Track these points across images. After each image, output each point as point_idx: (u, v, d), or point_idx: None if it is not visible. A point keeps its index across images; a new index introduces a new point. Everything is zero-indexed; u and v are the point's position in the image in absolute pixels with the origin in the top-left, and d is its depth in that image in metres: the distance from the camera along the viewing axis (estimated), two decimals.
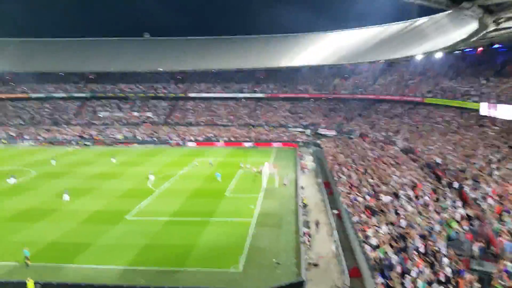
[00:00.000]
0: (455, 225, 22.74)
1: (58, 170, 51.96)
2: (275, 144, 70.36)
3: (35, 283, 22.12)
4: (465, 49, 53.90)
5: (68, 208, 36.34)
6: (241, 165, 51.85)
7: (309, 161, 54.07)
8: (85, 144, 73.66)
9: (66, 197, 38.55)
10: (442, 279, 18.47)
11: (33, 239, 29.07)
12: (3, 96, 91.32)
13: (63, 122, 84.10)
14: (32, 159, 59.50)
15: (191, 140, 73.69)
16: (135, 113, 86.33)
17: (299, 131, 75.09)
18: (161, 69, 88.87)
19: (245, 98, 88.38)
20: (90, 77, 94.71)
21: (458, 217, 23.59)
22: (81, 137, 76.80)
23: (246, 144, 71.10)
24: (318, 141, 66.03)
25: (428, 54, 56.55)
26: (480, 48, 49.33)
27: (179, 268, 24.97)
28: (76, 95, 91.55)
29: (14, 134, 78.10)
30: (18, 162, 57.28)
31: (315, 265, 25.02)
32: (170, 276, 23.93)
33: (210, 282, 22.92)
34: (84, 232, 30.72)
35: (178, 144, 72.90)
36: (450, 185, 29.85)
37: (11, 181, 45.22)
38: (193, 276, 23.87)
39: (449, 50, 51.52)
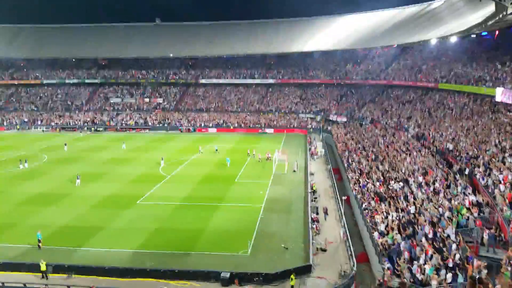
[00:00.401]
0: (465, 211, 22.52)
1: (70, 155, 52.72)
2: (286, 130, 70.15)
3: (47, 265, 22.63)
4: (481, 33, 52.61)
5: (80, 193, 36.95)
6: (248, 153, 51.78)
7: (319, 148, 53.86)
8: (97, 130, 74.42)
9: (78, 181, 39.16)
10: (451, 265, 18.40)
11: (46, 222, 29.65)
12: (16, 82, 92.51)
13: (75, 108, 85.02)
14: (45, 145, 60.40)
15: (209, 126, 73.94)
16: (146, 99, 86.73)
17: (310, 117, 74.68)
18: (172, 55, 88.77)
19: (255, 84, 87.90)
20: (102, 63, 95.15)
21: (468, 204, 23.33)
22: (93, 122, 77.61)
23: (259, 130, 71.08)
24: (329, 128, 65.68)
25: (443, 39, 55.36)
26: (497, 32, 48.09)
27: (189, 251, 25.32)
28: (88, 81, 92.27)
29: (27, 120, 79.26)
30: (31, 148, 58.23)
31: (323, 250, 25.12)
32: (180, 259, 24.30)
33: (219, 265, 23.19)
34: (95, 216, 31.25)
35: (188, 130, 73.22)
36: (461, 171, 29.46)
37: (24, 165, 46.03)
38: (203, 259, 24.19)
39: (465, 34, 50.34)
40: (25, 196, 36.02)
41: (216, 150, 54.12)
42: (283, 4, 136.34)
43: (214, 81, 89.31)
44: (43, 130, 75.48)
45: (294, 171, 43.49)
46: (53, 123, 77.90)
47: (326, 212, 30.17)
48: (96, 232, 28.19)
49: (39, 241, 25.87)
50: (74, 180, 39.43)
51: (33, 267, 22.88)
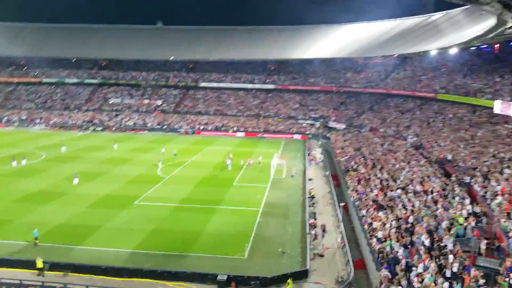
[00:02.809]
0: (462, 221, 22.63)
1: (68, 154, 52.60)
2: (284, 136, 70.29)
3: (44, 263, 22.56)
4: (480, 45, 53.10)
5: (78, 192, 36.87)
6: (241, 163, 48.14)
7: (317, 154, 54.00)
8: (95, 130, 74.32)
9: (76, 180, 39.06)
10: (448, 274, 18.47)
11: (43, 220, 29.58)
12: (16, 80, 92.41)
13: (74, 107, 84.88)
14: (43, 143, 60.25)
15: (208, 129, 73.96)
16: (146, 101, 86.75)
17: (309, 124, 74.88)
18: (172, 58, 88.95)
19: (255, 89, 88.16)
20: (102, 63, 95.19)
21: (465, 214, 23.46)
22: (92, 122, 77.51)
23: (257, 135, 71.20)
24: (328, 134, 65.87)
25: (443, 50, 55.82)
26: (497, 45, 48.56)
27: (186, 253, 25.30)
28: (88, 81, 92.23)
29: (25, 118, 79.07)
30: (30, 145, 58.04)
31: (321, 255, 25.14)
32: (177, 261, 24.27)
33: (216, 267, 23.17)
34: (93, 215, 31.19)
35: (187, 133, 73.24)
36: (459, 181, 29.64)
37: (21, 163, 45.84)
38: (199, 261, 24.17)
39: (464, 46, 50.78)
40: (22, 194, 35.87)
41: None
42: (285, 11, 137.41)
43: (214, 84, 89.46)
44: (41, 128, 75.25)
45: (293, 176, 43.56)
46: (51, 122, 77.70)
47: (324, 230, 28.43)
48: (93, 231, 28.12)
49: (36, 238, 25.83)
50: (72, 178, 39.32)
51: (30, 264, 22.80)
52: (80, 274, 22.53)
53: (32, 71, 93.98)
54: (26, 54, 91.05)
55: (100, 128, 75.04)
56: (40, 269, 22.39)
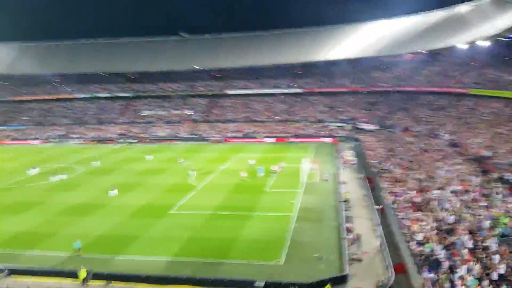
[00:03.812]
0: (508, 220, 21.79)
1: (105, 167, 54.26)
2: (314, 139, 69.85)
3: (87, 272, 23.33)
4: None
5: (116, 203, 37.94)
6: (271, 168, 47.99)
7: (350, 156, 53.29)
8: (130, 142, 76.33)
9: (114, 192, 40.22)
10: (495, 277, 17.81)
11: (84, 232, 30.60)
12: (50, 97, 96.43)
13: (108, 121, 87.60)
14: (81, 157, 62.42)
15: (238, 136, 74.77)
16: (176, 111, 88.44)
17: (338, 126, 74.10)
18: (198, 67, 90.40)
19: (282, 93, 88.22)
20: (132, 77, 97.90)
21: (509, 212, 22.58)
22: (125, 135, 79.71)
23: (287, 140, 71.10)
24: (358, 136, 64.96)
25: (473, 43, 54.11)
26: None
27: (222, 260, 25.53)
28: (119, 94, 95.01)
29: (62, 133, 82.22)
30: (68, 160, 60.28)
31: (359, 260, 24.77)
32: (214, 268, 24.52)
33: (252, 274, 23.24)
34: (131, 225, 32.01)
35: (217, 141, 74.04)
36: (500, 179, 28.58)
37: (62, 177, 47.66)
38: (236, 268, 24.32)
39: (495, 38, 49.05)
40: (63, 207, 37.27)
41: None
42: (308, 13, 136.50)
43: (241, 91, 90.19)
44: (78, 143, 78.03)
45: (326, 179, 43.19)
46: (87, 136, 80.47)
47: (358, 239, 26.93)
48: (132, 241, 28.86)
49: (79, 249, 26.73)
50: (110, 190, 40.53)
51: (72, 275, 23.63)
52: (122, 283, 23.15)
53: (66, 88, 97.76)
54: (59, 71, 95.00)
55: (135, 141, 77.03)
56: (84, 279, 23.15)
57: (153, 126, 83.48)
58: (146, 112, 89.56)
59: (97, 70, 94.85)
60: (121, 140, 77.11)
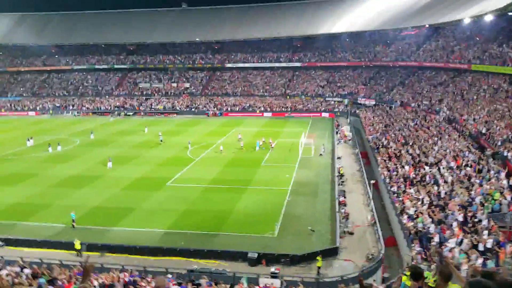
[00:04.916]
0: (498, 196, 21.88)
1: (101, 139, 54.18)
2: (312, 114, 69.52)
3: (81, 244, 23.61)
4: None
5: (112, 175, 38.08)
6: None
7: (346, 131, 53.21)
8: (127, 115, 76.01)
9: (109, 164, 40.28)
10: (481, 249, 18.04)
11: (79, 203, 30.77)
12: (48, 68, 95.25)
13: (105, 93, 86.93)
14: (77, 129, 62.24)
15: (236, 110, 74.30)
16: (174, 84, 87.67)
17: (337, 101, 73.64)
18: (198, 40, 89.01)
19: (281, 67, 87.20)
20: (130, 48, 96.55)
21: (501, 188, 22.64)
22: (122, 107, 79.30)
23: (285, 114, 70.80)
24: (357, 111, 64.65)
25: (477, 18, 52.96)
26: None
27: (217, 232, 25.88)
28: (117, 66, 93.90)
29: (59, 105, 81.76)
30: (64, 132, 60.12)
31: (350, 233, 25.07)
32: (208, 239, 24.89)
33: (246, 245, 23.61)
34: (127, 198, 32.24)
35: (215, 114, 73.71)
36: (494, 155, 28.54)
37: (58, 148, 47.63)
38: (230, 240, 24.68)
39: (500, 12, 47.94)
40: (59, 178, 37.41)
41: (161, 140, 50.89)
42: None
43: (240, 65, 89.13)
44: (74, 115, 77.71)
45: (321, 154, 43.24)
46: (84, 108, 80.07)
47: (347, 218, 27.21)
48: (127, 213, 29.11)
49: (73, 221, 26.95)
50: (106, 162, 40.59)
51: (68, 246, 23.94)
52: (116, 254, 23.47)
53: (63, 59, 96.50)
54: (56, 43, 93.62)
55: (131, 113, 76.69)
56: (78, 250, 23.47)
57: (150, 98, 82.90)
58: (144, 85, 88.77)
59: (94, 41, 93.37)
60: (118, 113, 76.74)
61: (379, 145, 39.41)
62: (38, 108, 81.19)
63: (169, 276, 18.72)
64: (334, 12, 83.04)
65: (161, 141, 51.04)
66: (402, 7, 72.23)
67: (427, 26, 69.07)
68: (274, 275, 20.04)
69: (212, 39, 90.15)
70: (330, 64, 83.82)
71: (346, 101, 72.57)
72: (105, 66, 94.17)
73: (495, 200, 21.67)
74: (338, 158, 41.52)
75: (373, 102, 67.54)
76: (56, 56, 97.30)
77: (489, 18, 51.68)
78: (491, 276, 3.70)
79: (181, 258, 22.89)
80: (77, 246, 23.44)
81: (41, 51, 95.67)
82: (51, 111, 79.23)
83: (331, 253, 22.60)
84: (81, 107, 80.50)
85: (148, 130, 58.29)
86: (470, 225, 20.19)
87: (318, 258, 21.00)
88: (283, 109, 72.79)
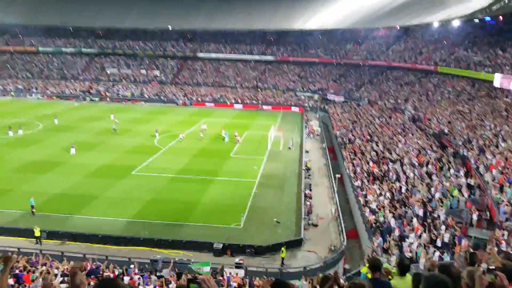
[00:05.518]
0: (456, 193, 22.87)
1: (65, 124, 52.35)
2: (282, 108, 69.93)
3: (41, 231, 22.85)
4: (484, 18, 52.03)
5: (75, 161, 36.94)
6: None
7: (315, 126, 53.94)
8: (92, 100, 73.83)
9: (73, 150, 39.04)
10: (439, 244, 18.83)
11: (40, 189, 29.73)
12: (11, 48, 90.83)
13: (71, 77, 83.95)
14: (40, 113, 59.86)
15: (206, 100, 73.58)
16: (143, 71, 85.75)
17: (307, 96, 74.41)
18: (170, 27, 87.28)
19: (254, 60, 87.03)
20: (99, 33, 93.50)
21: (459, 186, 23.67)
22: (89, 92, 76.91)
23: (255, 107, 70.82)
24: (326, 107, 65.60)
25: (445, 22, 54.80)
26: (501, 18, 47.60)
27: (183, 222, 25.70)
28: (84, 50, 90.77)
29: (22, 87, 78.30)
30: (26, 115, 57.69)
31: (315, 225, 25.54)
32: (174, 230, 24.66)
33: (212, 236, 23.58)
34: (90, 185, 31.37)
35: (185, 104, 72.79)
36: (455, 154, 29.77)
37: (18, 132, 45.73)
38: (196, 230, 24.57)
39: (468, 18, 49.79)
40: (20, 163, 35.95)
41: (114, 129, 49.29)
42: None
43: (213, 55, 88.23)
44: (38, 98, 74.68)
45: (289, 148, 43.65)
46: (48, 91, 77.05)
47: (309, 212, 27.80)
48: (90, 201, 28.39)
49: (32, 207, 26.02)
50: (69, 148, 39.32)
51: (27, 233, 23.13)
52: (78, 243, 22.91)
53: (28, 39, 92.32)
54: (21, 22, 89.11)
55: (97, 99, 74.52)
56: (38, 238, 22.72)
57: (117, 84, 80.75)
58: (111, 70, 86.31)
59: (62, 23, 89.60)
60: (82, 98, 74.39)
61: (345, 140, 40.21)
62: (1, 89, 77.34)
63: (131, 266, 18.44)
64: (307, 8, 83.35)
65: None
66: (374, 8, 73.52)
67: (398, 27, 70.78)
68: (238, 266, 20.16)
69: (184, 28, 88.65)
70: (302, 59, 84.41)
71: (316, 96, 73.45)
72: (72, 50, 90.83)
73: (453, 197, 22.66)
74: (306, 152, 42.06)
75: (342, 99, 68.69)
76: (20, 37, 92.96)
77: (456, 23, 53.60)
78: (447, 270, 3.87)
79: (145, 248, 22.59)
80: (37, 233, 22.67)
81: (4, 30, 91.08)
82: (12, 93, 75.79)
83: (295, 244, 22.96)
84: (45, 90, 77.39)
85: (114, 117, 56.73)
86: (429, 220, 21.04)
87: (282, 249, 21.28)
88: (254, 101, 72.81)
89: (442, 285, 2.76)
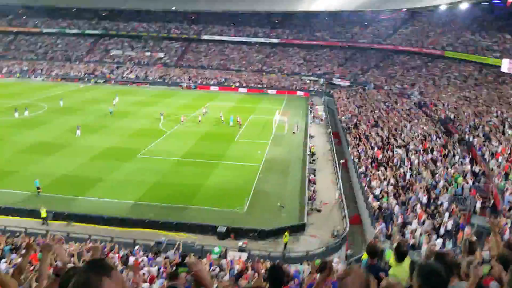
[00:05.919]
0: (461, 181, 22.81)
1: (70, 106, 52.41)
2: (287, 92, 69.49)
3: (47, 212, 23.14)
4: (493, 0, 51.06)
5: (80, 143, 37.14)
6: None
7: (320, 111, 53.69)
8: (97, 82, 73.70)
9: (78, 132, 39.19)
10: (442, 231, 18.89)
11: (46, 171, 29.98)
12: (15, 29, 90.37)
13: (75, 59, 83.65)
14: (45, 94, 59.92)
15: (211, 84, 73.22)
16: (147, 53, 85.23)
17: (312, 80, 73.81)
18: (174, 8, 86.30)
19: (259, 42, 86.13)
20: (103, 13, 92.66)
21: (464, 172, 23.60)
22: (93, 74, 76.74)
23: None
24: (331, 91, 65.12)
25: (453, 5, 53.79)
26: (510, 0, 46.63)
27: (187, 205, 25.90)
28: (88, 31, 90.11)
29: (26, 69, 78.19)
30: (32, 97, 57.73)
31: (318, 210, 25.68)
32: (178, 212, 24.90)
33: (216, 219, 23.79)
34: (96, 167, 31.59)
35: (189, 87, 72.48)
36: (460, 141, 29.61)
37: (24, 114, 45.87)
38: (200, 214, 24.78)
39: (476, 0, 48.87)
40: (26, 145, 36.17)
41: (111, 112, 48.85)
42: None
43: (217, 37, 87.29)
44: (43, 80, 74.64)
45: (294, 132, 43.57)
46: (53, 73, 76.96)
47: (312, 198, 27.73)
48: (96, 183, 28.63)
49: (38, 188, 26.26)
50: (74, 130, 39.46)
51: (34, 214, 23.43)
52: (83, 224, 23.21)
53: (31, 20, 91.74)
54: (24, 3, 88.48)
55: (102, 81, 74.36)
56: (44, 218, 23.02)
57: (122, 67, 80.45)
58: (116, 52, 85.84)
59: (66, 3, 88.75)
60: (87, 80, 74.25)
61: (350, 126, 40.06)
62: (3, 71, 77.31)
63: (136, 248, 18.68)
64: None
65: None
66: None
67: (405, 10, 69.59)
68: (241, 249, 20.39)
69: (189, 9, 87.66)
70: (307, 42, 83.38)
71: (321, 80, 72.84)
72: (76, 31, 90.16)
73: (458, 184, 22.61)
74: (311, 137, 41.98)
75: (347, 83, 68.16)
76: (24, 17, 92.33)
77: (464, 6, 52.62)
78: (443, 258, 3.90)
79: (150, 230, 22.85)
80: (43, 214, 22.96)
81: (7, 11, 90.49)
82: (18, 75, 75.74)
83: (298, 229, 23.14)
84: (49, 72, 77.27)
85: (119, 100, 56.68)
86: (432, 207, 21.06)
87: (286, 233, 21.46)
88: (258, 85, 72.36)
89: (435, 274, 2.79)
